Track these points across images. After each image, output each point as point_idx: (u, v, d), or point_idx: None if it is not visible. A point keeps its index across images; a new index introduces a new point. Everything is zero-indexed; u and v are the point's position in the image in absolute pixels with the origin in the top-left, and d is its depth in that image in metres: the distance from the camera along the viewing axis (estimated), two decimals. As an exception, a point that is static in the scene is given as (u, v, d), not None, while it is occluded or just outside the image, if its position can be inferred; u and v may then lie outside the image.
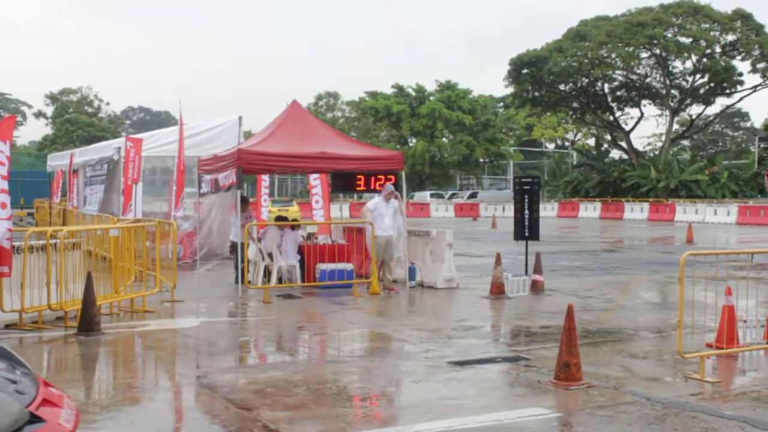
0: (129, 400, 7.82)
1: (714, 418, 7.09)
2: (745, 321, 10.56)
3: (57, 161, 36.03)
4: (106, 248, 14.18)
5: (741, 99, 73.31)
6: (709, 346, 9.92)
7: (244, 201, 17.38)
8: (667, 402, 7.61)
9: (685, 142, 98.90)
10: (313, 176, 21.54)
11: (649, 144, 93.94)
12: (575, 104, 76.28)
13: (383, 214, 15.65)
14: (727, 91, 70.79)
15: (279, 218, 17.89)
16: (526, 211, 17.41)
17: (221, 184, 16.10)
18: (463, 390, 8.11)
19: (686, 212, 51.48)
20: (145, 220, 16.44)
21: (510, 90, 74.88)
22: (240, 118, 22.31)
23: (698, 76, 69.93)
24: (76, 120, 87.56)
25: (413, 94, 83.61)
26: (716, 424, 6.94)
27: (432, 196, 69.02)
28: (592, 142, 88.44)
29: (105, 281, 12.90)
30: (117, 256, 13.28)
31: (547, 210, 61.58)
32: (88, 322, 10.91)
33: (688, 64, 69.85)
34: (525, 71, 70.29)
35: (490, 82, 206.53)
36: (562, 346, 8.24)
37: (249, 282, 15.34)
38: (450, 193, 73.50)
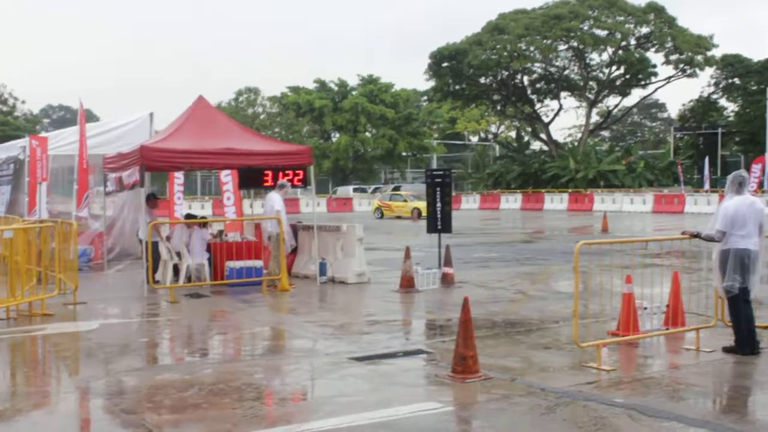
0: (10, 409, 7.50)
1: (604, 407, 7.11)
2: (645, 308, 10.70)
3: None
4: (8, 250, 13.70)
5: (656, 90, 75.08)
6: (613, 334, 9.99)
7: (152, 198, 17.01)
8: (560, 392, 7.62)
9: (605, 133, 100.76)
10: (224, 173, 21.23)
11: (569, 135, 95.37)
12: (496, 97, 77.04)
13: (282, 209, 15.56)
14: (642, 82, 72.35)
15: (188, 216, 17.56)
16: (439, 204, 17.35)
17: (125, 183, 15.72)
18: (360, 386, 8.00)
19: (604, 202, 52.41)
20: (48, 221, 15.96)
21: (431, 84, 75.21)
22: (151, 115, 21.83)
23: (614, 67, 71.31)
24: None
25: (335, 88, 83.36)
26: (606, 412, 6.96)
27: (355, 190, 68.84)
28: (514, 134, 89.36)
29: (1, 285, 12.45)
30: (12, 259, 12.81)
31: (470, 202, 62.17)
32: (-22, 327, 10.51)
33: (605, 56, 71.20)
34: (445, 65, 70.71)
35: (413, 76, 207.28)
36: (459, 339, 8.19)
37: (155, 282, 15.03)
38: (373, 187, 73.43)
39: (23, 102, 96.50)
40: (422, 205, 43.30)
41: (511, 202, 60.03)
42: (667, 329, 10.24)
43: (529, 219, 44.37)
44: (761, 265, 9.53)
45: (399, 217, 46.05)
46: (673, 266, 12.35)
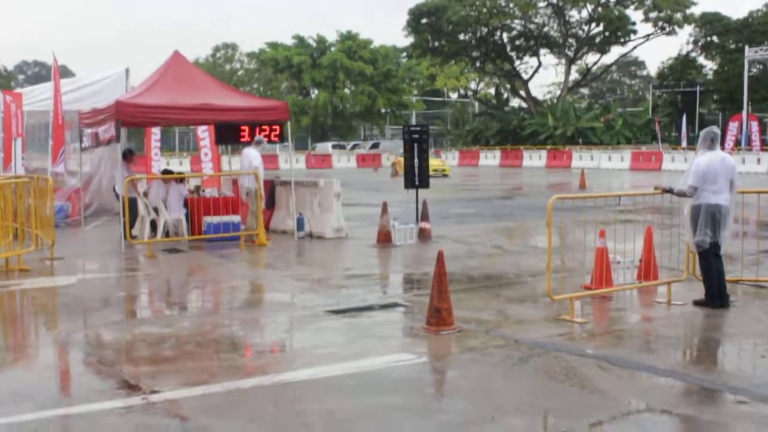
0: (-12, 361, 7.56)
1: (575, 357, 7.25)
2: (618, 262, 10.84)
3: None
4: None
5: (634, 48, 75.29)
6: (586, 287, 10.14)
7: (128, 154, 16.94)
8: (533, 343, 7.75)
9: (584, 91, 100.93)
10: (201, 129, 21.15)
11: (548, 92, 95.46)
12: (475, 54, 76.84)
13: (260, 165, 15.57)
14: (622, 40, 72.40)
15: (165, 171, 17.51)
16: (416, 160, 17.37)
17: (101, 138, 15.62)
18: (335, 338, 8.10)
19: (582, 159, 52.61)
20: (23, 177, 15.88)
21: (410, 40, 74.84)
22: (127, 70, 21.65)
23: (593, 25, 71.28)
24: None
25: (314, 45, 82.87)
26: (576, 362, 7.09)
27: (334, 147, 68.69)
28: (493, 91, 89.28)
29: (-24, 240, 12.43)
30: (-12, 214, 12.77)
31: (449, 159, 62.09)
32: (-46, 282, 10.52)
33: (584, 13, 71.09)
34: (424, 21, 70.41)
35: (392, 32, 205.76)
36: (433, 291, 8.29)
37: (133, 237, 15.04)
38: (352, 143, 73.27)
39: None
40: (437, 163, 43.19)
41: (490, 158, 60.12)
42: (640, 283, 10.40)
43: (507, 175, 44.50)
44: (731, 221, 9.66)
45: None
46: (647, 222, 12.48)
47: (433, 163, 45.19)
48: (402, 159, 18.73)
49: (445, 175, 42.54)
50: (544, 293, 9.48)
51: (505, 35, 74.59)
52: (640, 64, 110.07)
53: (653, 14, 67.37)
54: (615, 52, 76.74)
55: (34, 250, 13.57)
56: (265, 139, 16.15)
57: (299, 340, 8.26)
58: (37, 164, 21.11)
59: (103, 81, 21.44)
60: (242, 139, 16.45)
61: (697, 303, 9.48)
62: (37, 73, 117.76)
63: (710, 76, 76.28)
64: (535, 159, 56.75)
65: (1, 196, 13.08)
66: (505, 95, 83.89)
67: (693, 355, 7.84)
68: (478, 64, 79.57)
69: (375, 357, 7.31)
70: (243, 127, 16.04)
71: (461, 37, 72.88)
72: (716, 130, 9.72)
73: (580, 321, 8.67)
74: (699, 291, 9.63)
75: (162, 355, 7.54)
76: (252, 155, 15.76)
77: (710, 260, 9.41)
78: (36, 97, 21.34)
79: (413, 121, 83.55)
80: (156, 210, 15.79)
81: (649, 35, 70.51)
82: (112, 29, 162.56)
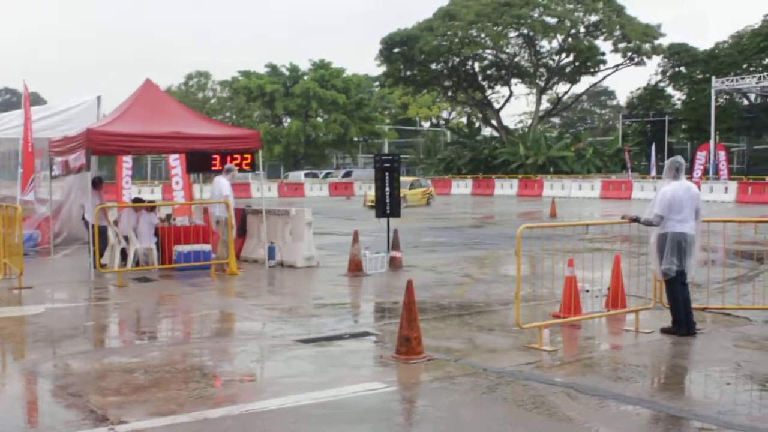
0: (-46, 392, 7.49)
1: (543, 385, 7.30)
2: (587, 291, 10.93)
3: None
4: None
5: (604, 78, 76.14)
6: (555, 316, 10.22)
7: (98, 182, 16.89)
8: (502, 372, 7.80)
9: (555, 120, 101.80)
10: (172, 157, 21.13)
11: (520, 122, 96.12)
12: (447, 83, 77.31)
13: (230, 194, 15.57)
14: (592, 70, 73.21)
15: (136, 200, 17.47)
16: (387, 189, 17.43)
17: (72, 166, 15.56)
18: (304, 368, 8.10)
19: (553, 188, 52.99)
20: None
21: (383, 69, 75.21)
22: (99, 98, 21.59)
23: (564, 55, 72.03)
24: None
25: (287, 73, 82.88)
26: (545, 390, 7.15)
27: (307, 175, 68.73)
28: (465, 120, 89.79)
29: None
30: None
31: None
32: None
33: (554, 44, 71.83)
34: (397, 50, 70.77)
35: (364, 61, 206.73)
36: (403, 320, 8.32)
37: (102, 266, 14.97)
38: (325, 172, 73.33)
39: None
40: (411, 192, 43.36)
41: (462, 187, 60.38)
42: (608, 311, 10.50)
43: (479, 204, 44.71)
44: (698, 249, 9.80)
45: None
46: (615, 250, 12.61)
47: (415, 192, 45.30)
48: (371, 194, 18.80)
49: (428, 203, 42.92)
50: (514, 322, 9.54)
51: (476, 65, 75.15)
52: (610, 94, 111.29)
53: (622, 45, 68.22)
54: (585, 81, 77.64)
55: (2, 279, 13.51)
56: (236, 168, 16.16)
57: (269, 370, 8.26)
58: (6, 192, 20.96)
59: (74, 108, 21.35)
60: (214, 168, 16.46)
61: (664, 331, 9.59)
62: (8, 99, 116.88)
63: (678, 106, 77.26)
64: (506, 188, 57.07)
65: (-31, 224, 13.00)
66: (477, 124, 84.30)
67: (660, 383, 7.91)
68: (450, 93, 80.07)
69: (345, 386, 7.32)
70: (215, 156, 16.06)
71: (433, 66, 73.35)
72: (681, 159, 9.89)
73: (549, 349, 8.74)
74: (666, 319, 9.75)
75: (130, 384, 7.50)
76: (222, 184, 15.77)
77: (676, 288, 9.53)
78: (6, 125, 21.21)
79: (386, 150, 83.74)
80: (126, 238, 15.72)
81: (618, 65, 71.41)
82: (84, 56, 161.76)
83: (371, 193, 45.31)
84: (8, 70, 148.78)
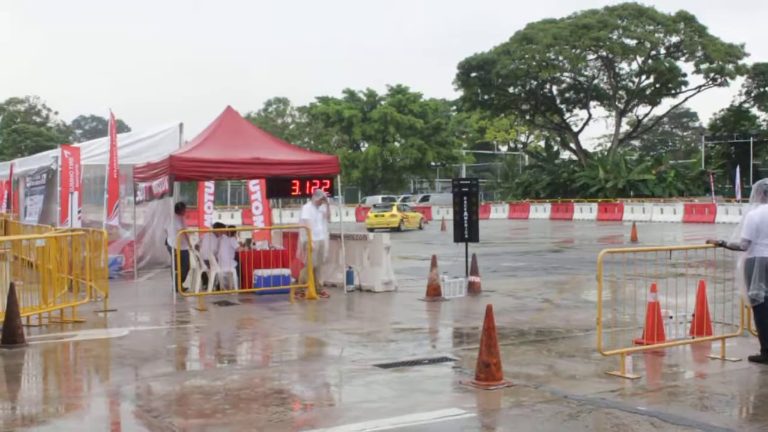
0: (42, 413, 7.66)
1: (627, 414, 7.14)
2: (671, 317, 10.69)
3: None
4: (40, 258, 13.94)
5: (686, 99, 74.79)
6: (638, 342, 10.01)
7: (181, 207, 17.23)
8: (583, 399, 7.65)
9: (635, 143, 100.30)
10: (252, 182, 21.41)
11: (599, 145, 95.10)
12: (525, 106, 76.99)
13: (316, 219, 15.59)
14: (672, 91, 72.02)
15: (216, 225, 17.75)
16: (465, 213, 17.37)
17: (155, 192, 15.92)
18: (384, 392, 8.08)
19: (634, 211, 52.16)
20: (79, 230, 16.20)
21: (460, 93, 75.28)
22: (181, 125, 22.08)
23: (644, 77, 71.08)
24: (24, 130, 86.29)
25: (364, 98, 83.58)
26: (628, 419, 6.99)
27: (384, 199, 68.94)
28: (543, 144, 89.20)
29: (34, 292, 12.67)
30: (45, 267, 13.04)
31: (499, 212, 62.08)
32: (11, 334, 10.72)
33: (634, 66, 71.01)
34: (474, 74, 70.79)
35: (441, 86, 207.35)
36: (482, 346, 8.25)
37: (184, 290, 15.22)
38: (402, 196, 73.50)
39: (56, 113, 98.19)
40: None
41: (540, 211, 59.86)
42: (693, 338, 10.24)
43: (558, 228, 44.24)
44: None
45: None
46: (700, 275, 12.30)
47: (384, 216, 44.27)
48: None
49: (394, 228, 41.61)
50: (595, 348, 9.37)
51: (554, 88, 74.71)
52: (692, 116, 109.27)
53: (704, 65, 66.99)
54: (666, 103, 76.48)
55: (88, 302, 13.82)
56: (325, 192, 16.08)
57: (348, 394, 8.27)
58: (93, 217, 21.53)
59: (157, 135, 21.88)
60: (293, 193, 16.60)
61: (752, 359, 9.30)
62: (94, 127, 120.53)
63: (764, 127, 75.41)
64: (585, 212, 56.39)
65: (57, 248, 13.36)
66: (555, 148, 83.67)
67: (749, 413, 7.67)
68: (527, 116, 79.68)
69: (424, 412, 7.28)
70: (294, 181, 16.20)
71: (510, 90, 73.12)
72: (768, 182, 9.62)
73: (631, 377, 8.55)
74: (755, 347, 9.45)
75: (211, 407, 7.58)
76: (303, 209, 15.94)
77: (765, 314, 9.24)
78: (93, 152, 21.84)
79: (463, 174, 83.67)
80: (207, 263, 15.97)
81: (700, 87, 70.08)
82: (168, 93, 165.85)
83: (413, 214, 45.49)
84: (95, 100, 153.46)
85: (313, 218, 15.57)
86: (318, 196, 15.78)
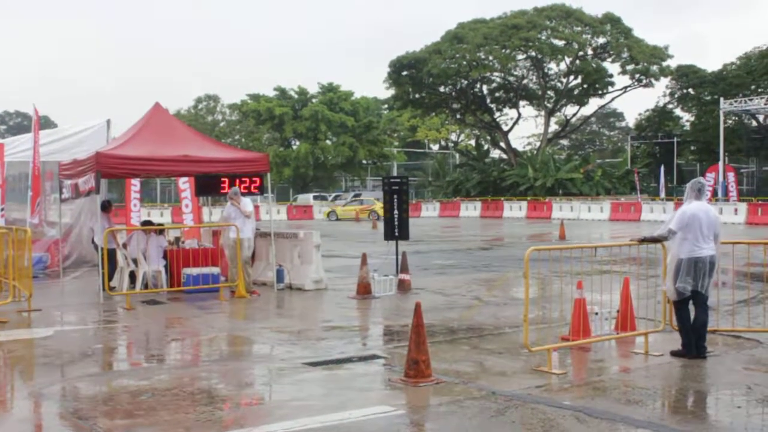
0: (-38, 415, 7.49)
1: (553, 409, 7.26)
2: (596, 313, 10.89)
3: None
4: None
5: (612, 100, 76.26)
6: (564, 339, 10.18)
7: (107, 206, 16.97)
8: (511, 395, 7.76)
9: (564, 142, 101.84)
10: (182, 180, 21.19)
11: (528, 144, 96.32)
12: (455, 105, 77.54)
13: (237, 217, 15.56)
14: (600, 91, 73.34)
15: (145, 222, 17.52)
16: (396, 211, 17.47)
17: (81, 189, 15.64)
18: (313, 390, 8.08)
19: (562, 210, 52.92)
20: (1, 228, 15.82)
21: (391, 92, 75.47)
22: (108, 122, 21.70)
23: (572, 77, 72.16)
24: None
25: (296, 96, 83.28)
26: (554, 414, 7.11)
27: (315, 198, 68.80)
28: (474, 143, 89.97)
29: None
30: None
31: (430, 210, 62.39)
32: (-71, 335, 10.44)
33: (562, 66, 72.06)
34: (405, 73, 71.03)
35: (373, 84, 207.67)
36: (411, 343, 8.30)
37: (111, 288, 14.99)
38: (333, 195, 73.41)
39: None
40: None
41: (471, 209, 60.35)
42: (618, 334, 10.45)
43: (488, 226, 44.68)
44: (715, 271, 9.74)
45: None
46: (625, 272, 12.56)
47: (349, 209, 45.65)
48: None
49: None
50: (523, 344, 9.50)
51: (485, 87, 75.37)
52: (619, 116, 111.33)
53: (630, 67, 68.30)
54: (593, 103, 77.83)
55: (11, 302, 13.51)
56: (238, 189, 16.05)
57: (277, 393, 8.24)
58: (17, 215, 21.04)
59: (84, 132, 21.46)
60: (222, 191, 16.49)
61: (674, 353, 9.54)
62: (19, 123, 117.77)
63: (687, 127, 77.27)
64: (515, 210, 57.03)
65: (-22, 247, 13.05)
66: (486, 147, 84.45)
67: (670, 406, 7.86)
68: (458, 115, 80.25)
69: (353, 409, 7.29)
70: (224, 179, 16.08)
71: (441, 89, 73.56)
72: (703, 180, 9.91)
73: (558, 372, 8.69)
74: (676, 341, 9.69)
75: (138, 407, 7.48)
76: (225, 208, 15.93)
77: (686, 310, 9.49)
78: (17, 148, 21.31)
79: (394, 173, 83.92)
80: (135, 261, 15.76)
81: (626, 87, 71.49)
82: (95, 83, 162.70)
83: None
84: (20, 95, 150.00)
85: (231, 216, 15.55)
86: (231, 193, 15.76)
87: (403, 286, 15.46)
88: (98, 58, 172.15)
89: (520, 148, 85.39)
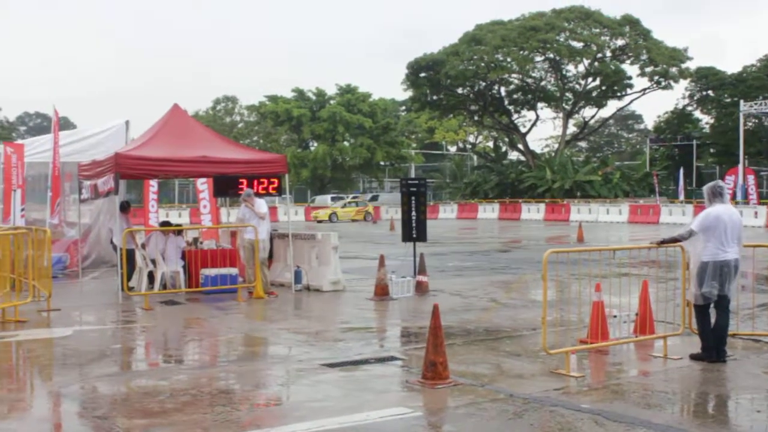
0: (-18, 414, 7.53)
1: (571, 412, 7.23)
2: (615, 316, 10.85)
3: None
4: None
5: (631, 102, 75.94)
6: (583, 341, 10.14)
7: (126, 206, 17.05)
8: (529, 397, 7.73)
9: (582, 144, 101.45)
10: (200, 181, 21.24)
11: (546, 146, 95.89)
12: (473, 107, 77.35)
13: (251, 218, 15.61)
14: (618, 93, 73.01)
15: (164, 223, 17.59)
16: (413, 213, 17.44)
17: (100, 190, 15.72)
18: (330, 392, 8.08)
19: (580, 212, 52.73)
20: (21, 228, 15.92)
21: (409, 94, 75.41)
22: (127, 123, 21.81)
23: (590, 79, 71.86)
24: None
25: (313, 97, 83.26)
26: (572, 417, 7.08)
27: (333, 199, 68.80)
28: (492, 144, 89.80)
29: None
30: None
31: (447, 212, 62.34)
32: (-50, 334, 10.52)
33: (581, 68, 71.73)
34: (423, 75, 70.95)
35: (391, 86, 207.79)
36: (428, 345, 8.29)
37: (130, 289, 15.06)
38: (351, 196, 73.40)
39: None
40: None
41: (489, 211, 60.26)
42: (636, 337, 10.40)
43: (505, 228, 44.58)
44: (738, 275, 9.68)
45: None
46: (643, 275, 12.49)
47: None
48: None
49: None
50: (541, 347, 9.47)
51: (503, 89, 75.18)
52: (637, 118, 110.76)
53: (649, 69, 67.95)
54: (612, 105, 77.39)
55: (30, 301, 13.59)
56: (252, 190, 16.08)
57: (295, 394, 8.25)
58: (37, 215, 21.16)
59: (103, 133, 21.57)
60: (240, 192, 16.53)
61: (693, 357, 9.47)
62: (39, 124, 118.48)
63: (707, 130, 76.81)
64: (533, 212, 56.90)
65: (-2, 247, 13.13)
66: (504, 148, 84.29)
67: (689, 410, 7.81)
68: (476, 117, 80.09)
69: (370, 411, 7.29)
70: (242, 180, 16.12)
71: (459, 90, 73.44)
72: (722, 183, 9.86)
73: (576, 375, 8.66)
74: (695, 345, 9.63)
75: (156, 407, 7.51)
76: (243, 210, 15.95)
77: (707, 313, 9.43)
78: (37, 149, 21.44)
79: (412, 174, 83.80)
80: (154, 262, 15.82)
81: (645, 89, 71.14)
82: (114, 85, 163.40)
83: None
84: (40, 97, 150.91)
85: (245, 218, 15.60)
86: (244, 195, 15.79)
87: (420, 288, 15.45)
88: (119, 58, 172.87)
89: (538, 150, 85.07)
